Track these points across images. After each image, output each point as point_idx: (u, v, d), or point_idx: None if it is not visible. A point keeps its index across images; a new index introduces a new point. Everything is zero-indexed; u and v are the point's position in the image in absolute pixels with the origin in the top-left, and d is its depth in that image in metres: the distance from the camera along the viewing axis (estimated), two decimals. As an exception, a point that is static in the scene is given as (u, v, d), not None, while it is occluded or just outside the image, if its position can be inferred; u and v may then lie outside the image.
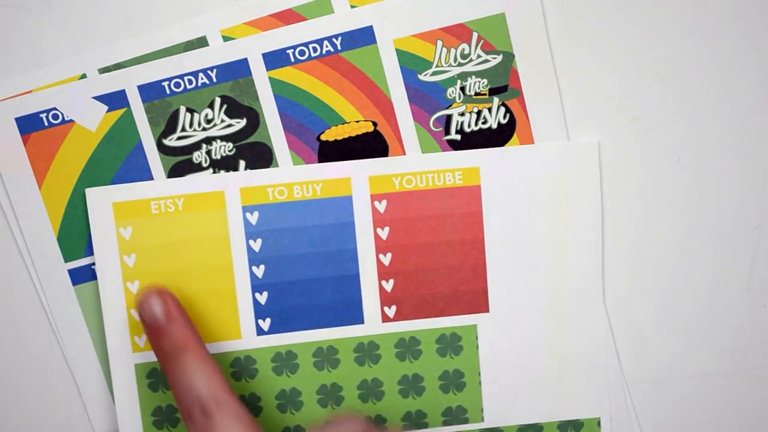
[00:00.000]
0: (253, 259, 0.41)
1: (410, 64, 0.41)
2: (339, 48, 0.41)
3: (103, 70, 0.41)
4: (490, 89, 0.42)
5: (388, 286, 0.41)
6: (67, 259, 0.42)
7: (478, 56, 0.41)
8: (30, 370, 0.43)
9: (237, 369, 0.41)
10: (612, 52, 0.42)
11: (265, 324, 0.41)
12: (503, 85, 0.42)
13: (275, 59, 0.41)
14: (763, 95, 0.43)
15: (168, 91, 0.41)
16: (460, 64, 0.42)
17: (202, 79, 0.41)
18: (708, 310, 0.44)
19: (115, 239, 0.40)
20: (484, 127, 0.42)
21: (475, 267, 0.42)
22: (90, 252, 0.42)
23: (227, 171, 0.42)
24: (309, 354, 0.41)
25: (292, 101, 0.42)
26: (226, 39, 0.41)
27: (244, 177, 0.41)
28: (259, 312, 0.41)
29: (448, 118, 0.42)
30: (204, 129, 0.42)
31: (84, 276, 0.42)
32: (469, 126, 0.42)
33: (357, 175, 0.41)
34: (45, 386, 0.43)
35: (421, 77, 0.42)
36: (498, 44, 0.41)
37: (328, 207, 0.40)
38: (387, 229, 0.41)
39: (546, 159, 0.41)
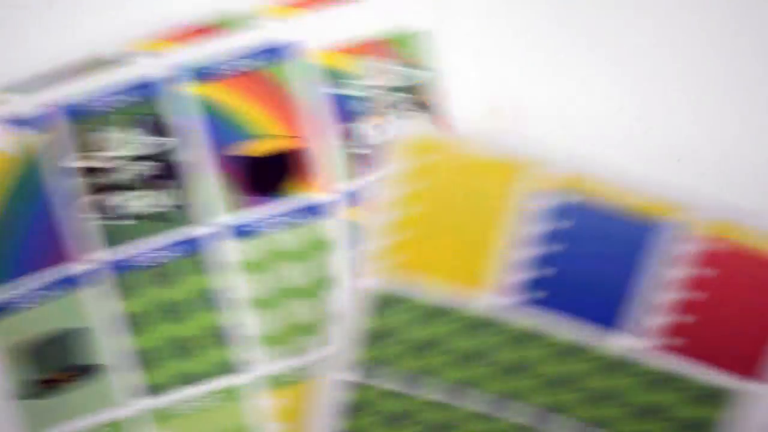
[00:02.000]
0: (528, 238, 0.38)
1: (335, 79, 0.41)
2: (262, 62, 0.41)
3: (19, 91, 0.40)
4: (416, 105, 0.41)
5: (661, 310, 0.38)
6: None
7: (405, 71, 0.41)
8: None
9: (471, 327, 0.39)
10: (613, 51, 0.42)
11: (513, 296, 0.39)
12: (430, 101, 0.42)
13: (198, 74, 0.41)
14: (764, 94, 0.42)
15: (90, 111, 0.40)
16: (385, 79, 0.41)
17: (123, 97, 0.40)
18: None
19: (397, 169, 0.38)
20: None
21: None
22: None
23: (152, 191, 0.41)
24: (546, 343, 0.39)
25: (215, 117, 0.41)
26: (147, 55, 0.40)
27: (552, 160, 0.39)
28: (514, 284, 0.39)
29: (373, 132, 0.42)
30: (126, 149, 0.41)
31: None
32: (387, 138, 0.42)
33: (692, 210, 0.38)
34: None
35: (345, 92, 0.41)
36: (424, 59, 0.41)
37: (636, 226, 0.38)
38: (684, 266, 0.38)
39: None
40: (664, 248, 0.39)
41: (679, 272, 0.39)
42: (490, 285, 0.39)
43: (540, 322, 0.39)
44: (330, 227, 0.41)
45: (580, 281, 0.39)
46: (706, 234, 0.39)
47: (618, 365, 0.39)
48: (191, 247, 0.41)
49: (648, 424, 0.39)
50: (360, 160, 0.41)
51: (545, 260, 0.39)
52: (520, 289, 0.39)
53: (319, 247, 0.42)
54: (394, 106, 0.41)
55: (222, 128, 0.41)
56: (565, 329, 0.39)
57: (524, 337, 0.39)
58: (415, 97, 0.41)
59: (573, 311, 0.39)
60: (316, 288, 0.41)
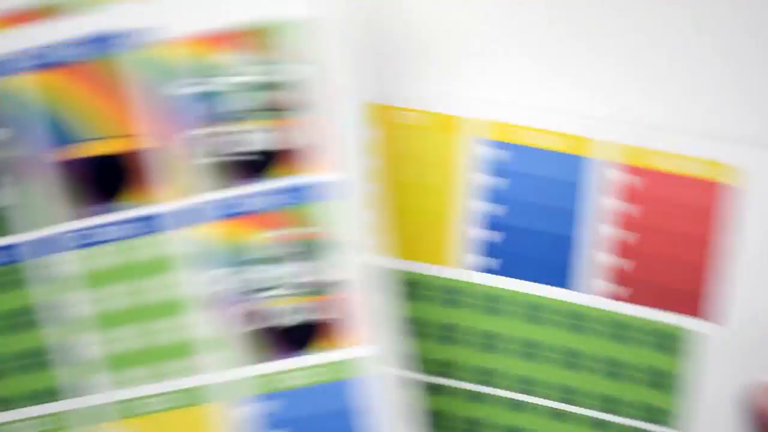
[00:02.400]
0: (474, 193, 0.39)
1: (192, 74, 0.36)
2: (96, 52, 0.36)
3: None
4: (286, 105, 0.36)
5: (605, 258, 0.39)
6: None
7: (273, 66, 0.36)
8: None
9: (446, 297, 0.40)
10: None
11: (474, 260, 0.40)
12: (303, 101, 0.36)
13: (31, 63, 0.36)
14: (764, 93, 0.40)
15: None
16: (249, 74, 0.36)
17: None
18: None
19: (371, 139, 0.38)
20: (280, 146, 0.36)
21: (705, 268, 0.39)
22: None
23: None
24: (513, 304, 0.40)
25: (50, 113, 0.36)
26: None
27: (487, 109, 0.39)
28: (470, 246, 0.40)
29: (227, 135, 0.36)
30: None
31: None
32: (258, 145, 0.36)
33: (600, 139, 0.39)
34: None
35: (205, 89, 0.36)
36: (303, 52, 0.35)
37: (562, 162, 0.39)
38: (615, 200, 0.39)
39: None
40: (593, 186, 0.39)
41: (611, 210, 0.39)
42: (452, 258, 0.40)
43: (504, 287, 0.40)
44: (176, 242, 0.37)
45: (527, 240, 0.39)
46: (627, 163, 0.39)
47: (580, 323, 0.40)
48: (10, 256, 0.37)
49: (615, 383, 0.40)
50: (225, 168, 0.36)
51: (493, 224, 0.40)
52: (479, 259, 0.40)
53: (161, 264, 0.37)
54: (267, 106, 0.36)
55: (57, 126, 0.36)
56: (528, 290, 0.40)
57: (492, 306, 0.40)
58: (291, 96, 0.36)
59: (528, 274, 0.40)
60: (162, 308, 0.37)
